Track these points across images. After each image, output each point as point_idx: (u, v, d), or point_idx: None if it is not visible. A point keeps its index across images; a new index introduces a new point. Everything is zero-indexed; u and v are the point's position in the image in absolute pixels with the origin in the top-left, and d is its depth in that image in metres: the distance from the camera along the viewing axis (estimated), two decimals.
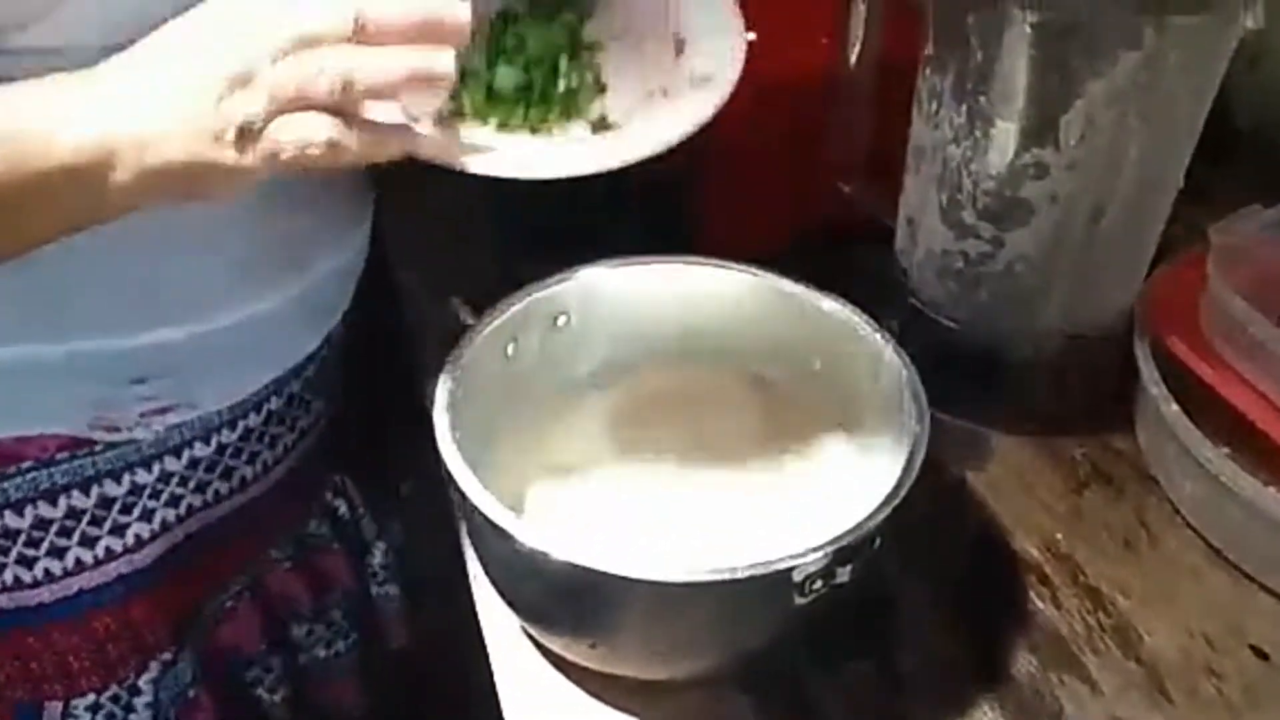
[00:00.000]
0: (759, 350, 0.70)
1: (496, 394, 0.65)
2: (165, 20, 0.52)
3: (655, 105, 0.65)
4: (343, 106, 0.49)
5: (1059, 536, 0.68)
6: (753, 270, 0.68)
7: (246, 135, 0.49)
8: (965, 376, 0.72)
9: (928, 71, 0.67)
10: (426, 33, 0.50)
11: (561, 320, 0.68)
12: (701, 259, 0.69)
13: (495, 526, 0.53)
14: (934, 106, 0.66)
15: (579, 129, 0.64)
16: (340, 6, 0.49)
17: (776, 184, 0.64)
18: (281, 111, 0.49)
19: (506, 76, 0.63)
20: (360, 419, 0.83)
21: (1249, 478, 0.63)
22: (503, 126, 0.63)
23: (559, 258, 0.67)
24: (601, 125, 0.64)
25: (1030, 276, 0.67)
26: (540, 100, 0.63)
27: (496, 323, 0.64)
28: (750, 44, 0.80)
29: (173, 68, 0.50)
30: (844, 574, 0.52)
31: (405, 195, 0.80)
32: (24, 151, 0.49)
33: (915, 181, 0.71)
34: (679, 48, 0.66)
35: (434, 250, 0.89)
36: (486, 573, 0.61)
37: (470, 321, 0.64)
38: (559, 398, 0.69)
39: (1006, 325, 0.71)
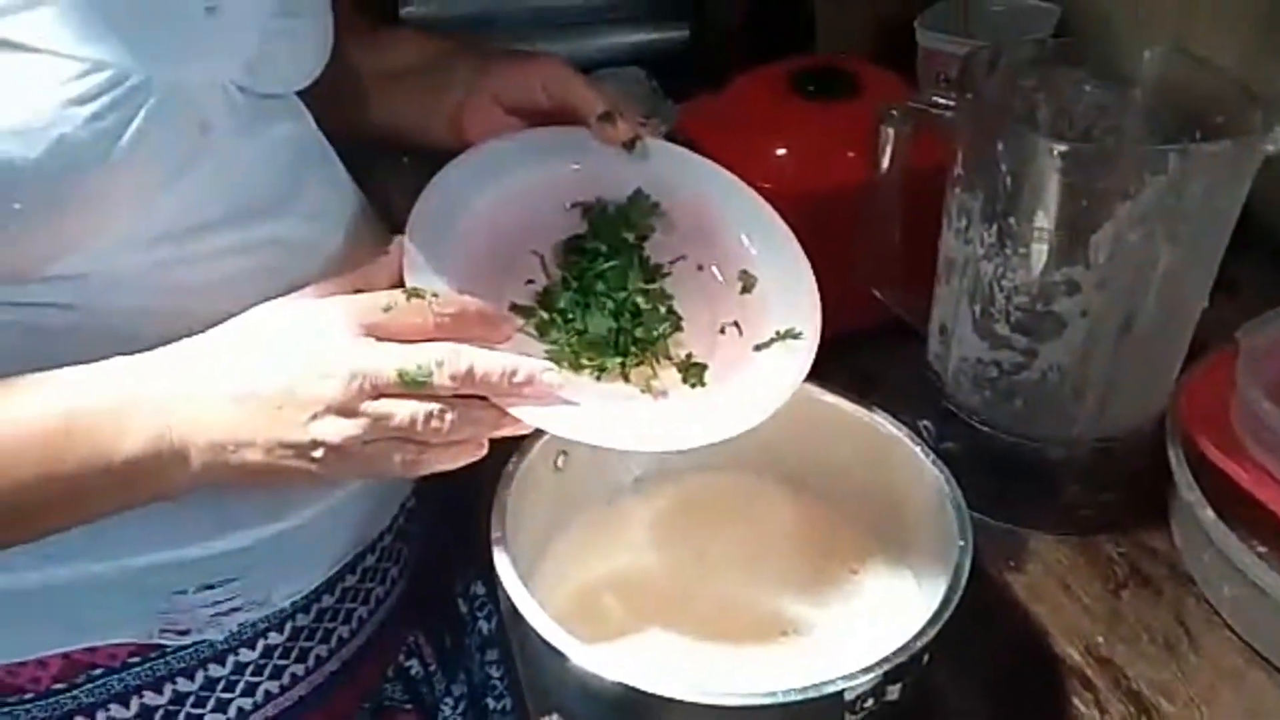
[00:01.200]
0: (800, 459, 0.71)
1: (548, 505, 0.67)
2: (179, 277, 0.55)
3: (739, 352, 0.66)
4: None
5: (1100, 639, 0.69)
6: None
7: (337, 453, 0.51)
8: (1001, 479, 0.73)
9: (957, 190, 0.69)
10: (519, 390, 0.54)
11: None
12: None
13: (549, 646, 0.54)
14: (964, 223, 0.69)
15: (669, 373, 0.65)
16: (451, 358, 0.52)
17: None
18: (374, 438, 0.51)
19: (600, 323, 0.64)
20: (430, 570, 0.81)
21: None
22: (598, 377, 0.63)
23: None
24: (690, 367, 0.65)
25: (1063, 385, 0.69)
26: (632, 343, 0.65)
27: (547, 436, 0.66)
28: (785, 157, 0.84)
29: (260, 379, 0.51)
30: (894, 692, 0.54)
31: None
32: (89, 446, 0.50)
33: (947, 292, 0.73)
34: (746, 284, 0.69)
35: None
36: (539, 690, 0.62)
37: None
38: (606, 507, 0.71)
39: (1041, 431, 0.72)
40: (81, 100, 0.48)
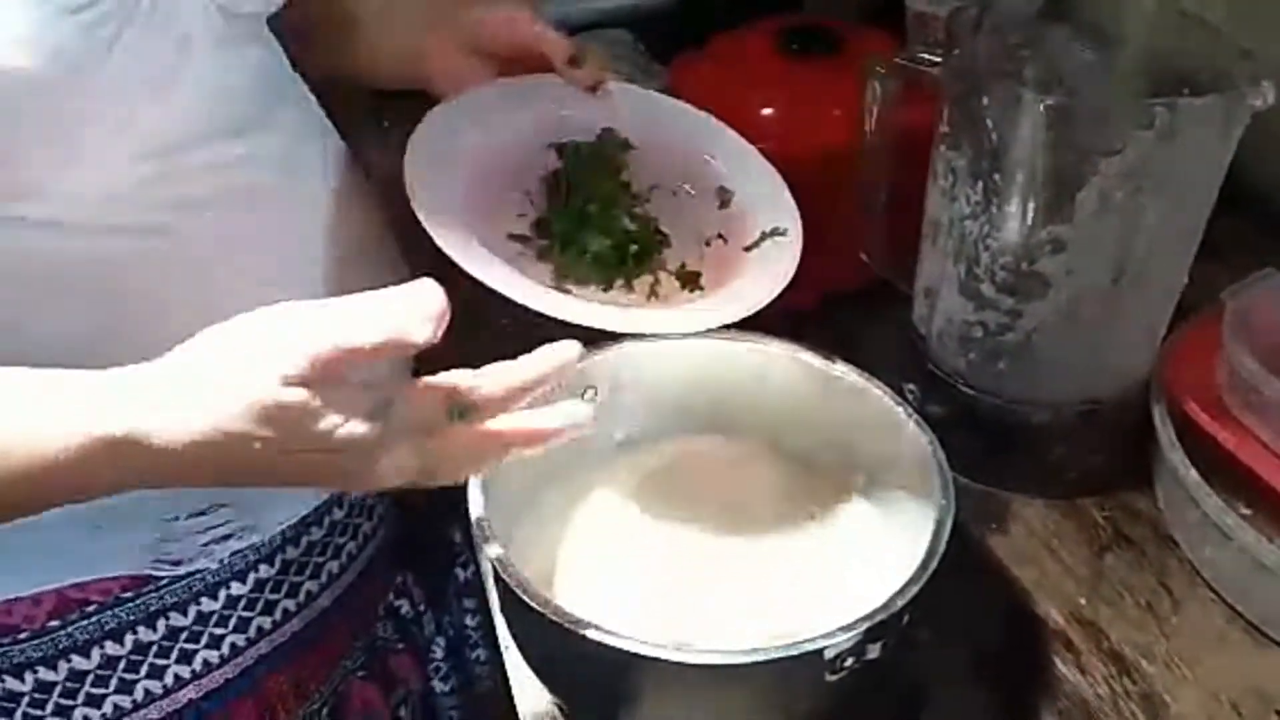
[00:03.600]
0: (783, 421, 0.71)
1: (530, 466, 0.66)
2: (162, 193, 0.55)
3: (730, 256, 0.73)
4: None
5: (1082, 601, 0.69)
6: (776, 343, 0.69)
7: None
8: (985, 441, 0.73)
9: (943, 148, 0.68)
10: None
11: (590, 393, 0.69)
12: (724, 333, 0.70)
13: (529, 606, 0.54)
14: (949, 181, 0.68)
15: (669, 282, 0.72)
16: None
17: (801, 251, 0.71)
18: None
19: (599, 242, 0.71)
20: (414, 511, 0.83)
21: (1268, 544, 0.63)
22: (606, 289, 0.70)
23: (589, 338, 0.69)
24: (686, 275, 0.72)
25: (1048, 346, 0.69)
26: (631, 257, 0.71)
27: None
28: (771, 117, 0.83)
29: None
30: (874, 650, 0.53)
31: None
32: (39, 446, 0.47)
33: (932, 253, 0.72)
34: (723, 199, 0.77)
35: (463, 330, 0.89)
36: (520, 648, 0.62)
37: None
38: (589, 468, 0.71)
39: (1026, 393, 0.72)
40: (75, 9, 0.49)
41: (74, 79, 0.50)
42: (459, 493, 0.59)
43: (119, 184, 0.55)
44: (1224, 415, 0.69)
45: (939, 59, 0.67)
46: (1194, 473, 0.67)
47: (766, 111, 0.83)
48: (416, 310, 0.47)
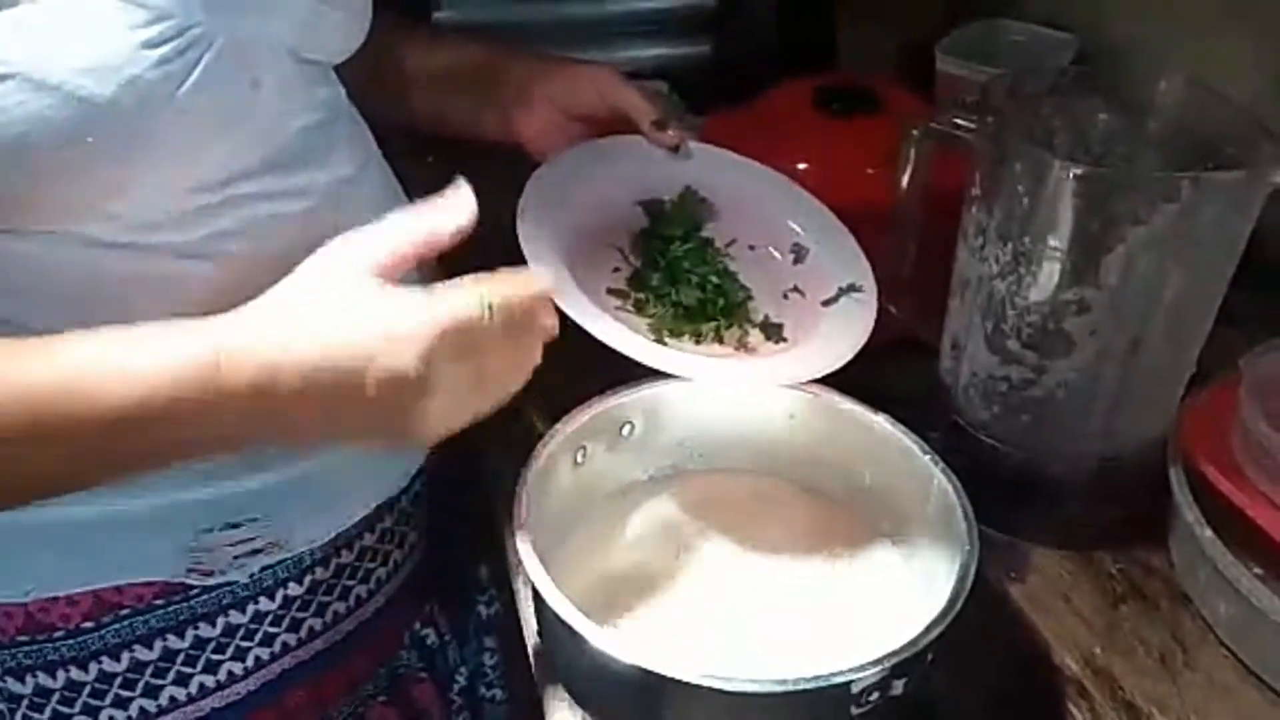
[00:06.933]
0: (811, 463, 0.74)
1: (566, 498, 0.69)
2: (216, 219, 0.58)
3: (808, 310, 0.78)
4: None
5: (1097, 650, 0.71)
6: (808, 387, 0.72)
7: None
8: (1005, 492, 0.75)
9: (974, 209, 0.71)
10: None
11: (626, 430, 0.72)
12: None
13: (569, 628, 0.56)
14: (979, 242, 0.71)
15: (755, 334, 0.77)
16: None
17: None
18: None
19: (691, 295, 0.76)
20: (444, 543, 0.84)
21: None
22: (697, 341, 0.75)
23: (623, 373, 0.72)
24: (769, 326, 0.77)
25: (1070, 402, 0.71)
26: (719, 311, 0.76)
27: (569, 431, 0.69)
28: (806, 172, 0.86)
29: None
30: (898, 686, 0.56)
31: None
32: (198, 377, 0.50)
33: (960, 308, 0.75)
34: (798, 255, 0.81)
35: None
36: (555, 668, 0.64)
37: (543, 430, 0.69)
38: (622, 501, 0.73)
39: (1046, 446, 0.74)
40: (151, 44, 0.52)
41: (143, 110, 0.52)
42: (485, 529, 0.62)
43: (175, 209, 0.57)
44: (1238, 477, 0.71)
45: (973, 124, 0.71)
46: (1208, 531, 0.69)
47: (802, 167, 0.86)
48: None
